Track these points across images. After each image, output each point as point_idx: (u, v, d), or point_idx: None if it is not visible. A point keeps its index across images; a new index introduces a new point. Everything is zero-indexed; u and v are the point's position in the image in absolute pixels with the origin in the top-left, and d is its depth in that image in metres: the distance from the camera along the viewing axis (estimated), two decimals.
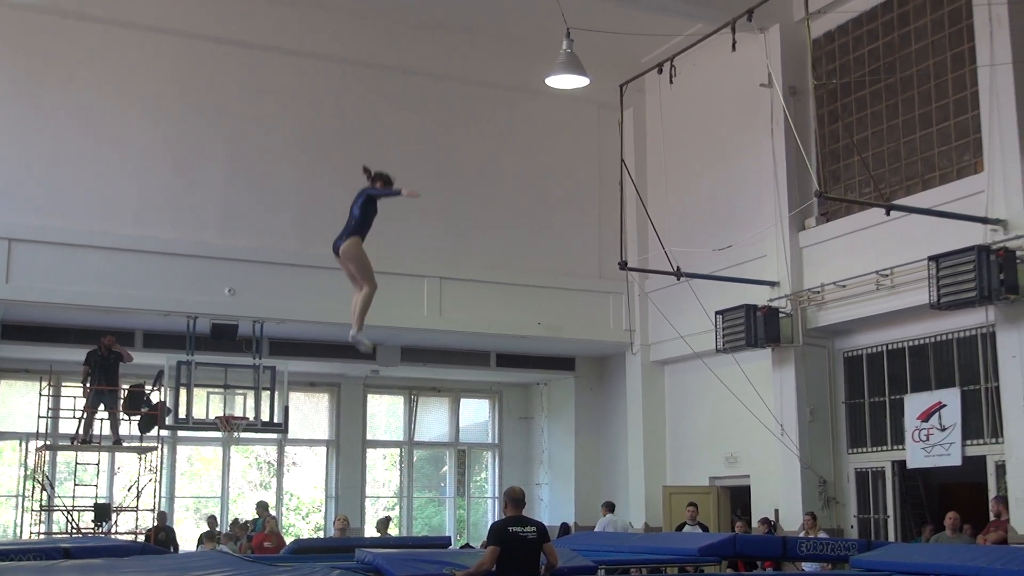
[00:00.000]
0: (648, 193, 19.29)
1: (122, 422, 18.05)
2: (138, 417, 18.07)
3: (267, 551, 16.14)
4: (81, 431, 17.70)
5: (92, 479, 18.26)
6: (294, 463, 22.51)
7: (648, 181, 20.09)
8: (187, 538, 19.79)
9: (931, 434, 15.35)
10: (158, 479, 18.48)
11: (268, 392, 18.23)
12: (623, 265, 16.72)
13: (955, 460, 15.01)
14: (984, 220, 13.99)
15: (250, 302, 17.92)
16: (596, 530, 18.80)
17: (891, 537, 15.95)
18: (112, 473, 20.11)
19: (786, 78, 17.16)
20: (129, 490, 18.38)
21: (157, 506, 18.38)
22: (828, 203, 16.37)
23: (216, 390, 18.19)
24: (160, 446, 18.69)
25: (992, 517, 14.02)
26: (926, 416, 15.48)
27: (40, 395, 18.03)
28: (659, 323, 19.60)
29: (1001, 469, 14.21)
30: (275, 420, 18.31)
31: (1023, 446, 13.53)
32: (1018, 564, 9.70)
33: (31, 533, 18.12)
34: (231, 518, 20.16)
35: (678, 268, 16.54)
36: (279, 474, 22.11)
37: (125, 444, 18.16)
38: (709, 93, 19.37)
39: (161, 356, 18.02)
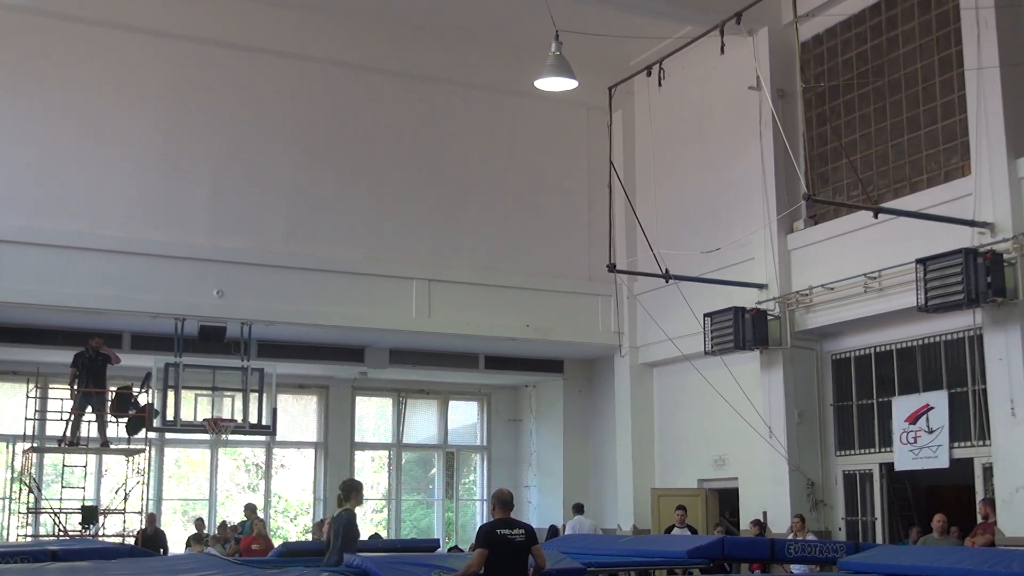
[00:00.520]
0: (637, 195, 19.30)
1: (110, 424, 18.00)
2: (126, 419, 18.02)
3: (255, 554, 16.11)
4: (68, 433, 17.64)
5: (79, 481, 18.20)
6: (282, 465, 22.47)
7: (637, 183, 20.11)
8: (175, 540, 19.73)
9: (919, 436, 15.38)
10: (146, 481, 18.44)
11: (256, 394, 18.19)
12: (612, 267, 16.74)
13: (943, 462, 15.04)
14: (971, 223, 14.03)
15: (238, 304, 17.89)
16: (565, 532, 18.77)
17: (879, 539, 15.96)
18: (99, 475, 20.05)
19: (774, 81, 17.19)
20: (116, 492, 18.34)
21: (145, 508, 18.33)
22: (816, 206, 16.39)
23: (204, 392, 18.13)
24: (148, 448, 18.64)
25: (980, 519, 14.06)
26: (914, 418, 15.52)
27: (27, 397, 18.00)
28: (647, 325, 19.61)
29: (988, 471, 14.24)
30: (263, 422, 18.28)
31: (1010, 448, 13.57)
32: (1005, 566, 9.72)
33: (18, 536, 18.06)
34: (219, 520, 20.11)
35: (666, 270, 16.54)
36: (267, 476, 22.06)
37: (113, 446, 18.11)
38: (698, 96, 19.40)
39: (149, 358, 17.96)
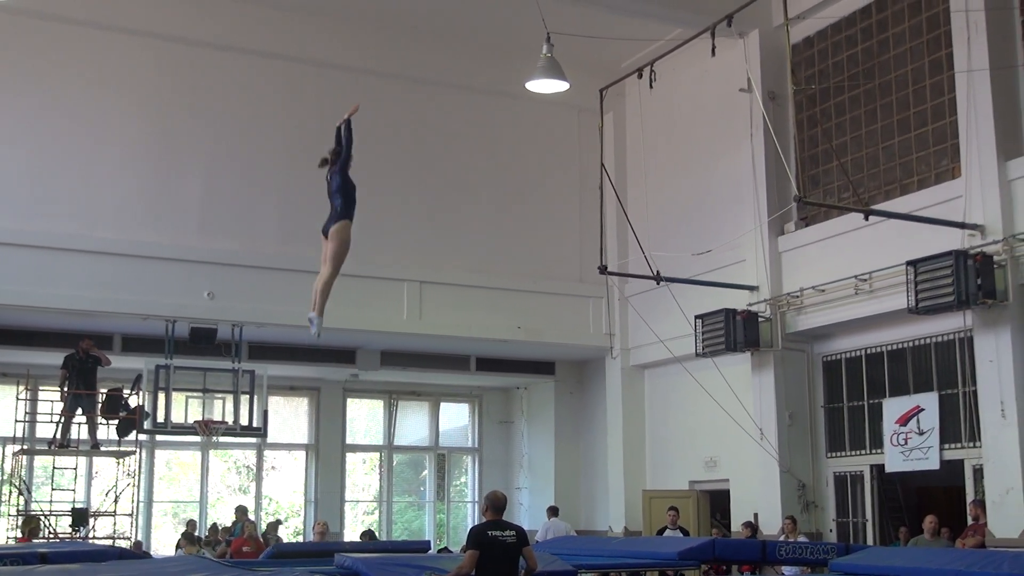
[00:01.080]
0: (628, 197, 19.32)
1: (100, 426, 17.97)
2: (116, 421, 17.99)
3: (246, 556, 16.07)
4: (59, 435, 17.60)
5: (70, 484, 18.15)
6: (273, 467, 22.43)
7: (628, 185, 20.14)
8: (166, 543, 19.72)
9: (909, 438, 15.41)
10: (136, 484, 18.41)
11: (247, 396, 18.17)
12: (603, 269, 16.77)
13: (933, 464, 15.07)
14: (962, 225, 14.07)
15: (229, 306, 17.87)
16: (538, 535, 18.76)
17: (869, 541, 15.99)
18: (90, 478, 19.96)
19: (765, 83, 17.20)
20: (107, 495, 18.30)
21: (135, 511, 18.30)
22: (807, 208, 16.39)
23: (195, 394, 18.12)
24: (138, 450, 18.61)
25: (970, 521, 14.09)
26: (904, 420, 15.55)
27: (17, 399, 17.95)
28: (639, 327, 19.61)
29: (979, 473, 14.26)
30: (254, 424, 18.26)
31: (1000, 450, 13.60)
32: (996, 567, 9.74)
33: (7, 538, 18.00)
34: (210, 523, 20.06)
35: (658, 272, 16.55)
36: (258, 478, 22.02)
37: (103, 448, 18.08)
38: (689, 98, 19.43)
39: (139, 360, 17.94)
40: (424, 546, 16.48)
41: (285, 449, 22.35)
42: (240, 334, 18.30)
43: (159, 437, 20.00)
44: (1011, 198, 13.85)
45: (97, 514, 18.02)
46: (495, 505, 9.55)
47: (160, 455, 21.38)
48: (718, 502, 19.03)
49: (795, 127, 15.87)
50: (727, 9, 14.40)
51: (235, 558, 15.76)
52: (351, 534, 21.87)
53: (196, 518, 20.06)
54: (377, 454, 23.24)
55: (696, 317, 17.56)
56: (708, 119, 19.02)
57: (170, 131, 18.10)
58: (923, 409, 15.32)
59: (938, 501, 16.54)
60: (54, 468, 18.30)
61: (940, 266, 13.71)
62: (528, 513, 22.60)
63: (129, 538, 17.87)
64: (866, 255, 15.50)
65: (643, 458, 20.35)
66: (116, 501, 17.92)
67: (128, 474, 18.23)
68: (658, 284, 17.02)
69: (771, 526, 16.63)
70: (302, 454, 22.35)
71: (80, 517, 17.55)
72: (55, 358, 17.72)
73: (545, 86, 15.83)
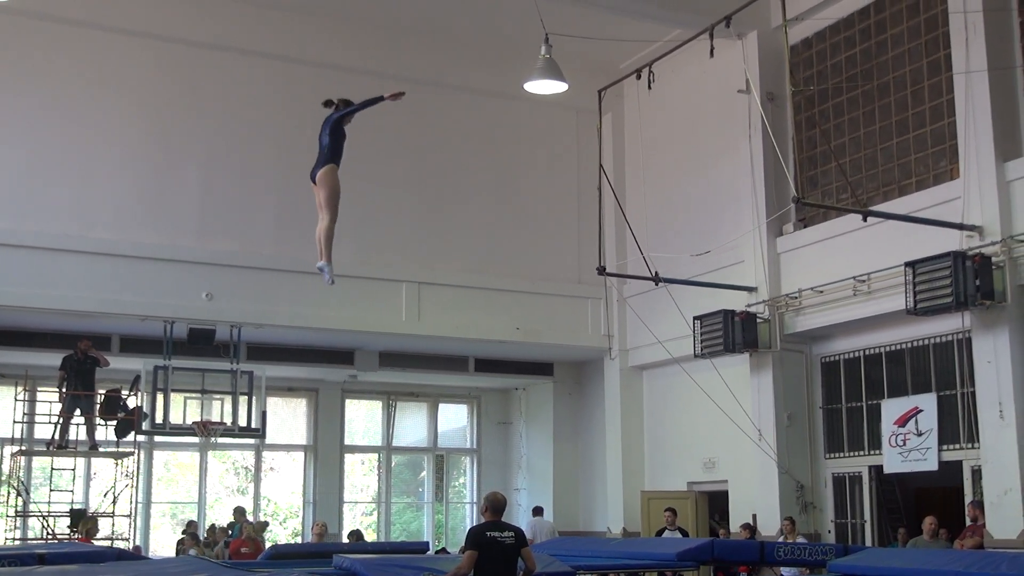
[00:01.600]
0: (626, 198, 19.33)
1: (98, 427, 17.95)
2: (114, 422, 17.97)
3: (244, 557, 16.06)
4: (57, 436, 17.59)
5: (68, 484, 18.13)
6: (272, 468, 22.42)
7: (627, 186, 20.14)
8: (164, 544, 19.71)
9: (908, 439, 15.42)
10: (135, 485, 18.38)
11: (245, 397, 18.14)
12: (601, 270, 16.77)
13: (932, 465, 15.07)
14: (960, 226, 14.08)
15: (228, 307, 17.87)
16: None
17: (868, 542, 15.99)
18: (88, 479, 19.97)
19: (764, 84, 17.22)
20: (105, 496, 18.29)
21: (134, 512, 18.28)
22: (805, 209, 16.42)
23: (193, 395, 18.11)
24: (137, 451, 18.58)
25: (968, 522, 14.10)
26: (903, 421, 15.55)
27: (15, 400, 17.94)
28: (637, 328, 19.61)
29: (977, 474, 14.26)
30: (252, 425, 18.25)
31: (998, 451, 13.60)
32: (994, 568, 9.74)
33: (6, 539, 18.00)
34: (208, 524, 20.05)
35: (656, 273, 16.56)
36: (256, 479, 22.01)
37: (101, 449, 18.07)
38: (687, 99, 19.43)
39: (138, 361, 17.92)
40: (423, 547, 16.47)
41: (283, 450, 22.35)
42: (238, 335, 18.29)
43: (157, 438, 19.98)
44: (1009, 199, 13.86)
45: (96, 515, 18.00)
46: (494, 506, 9.56)
47: (158, 456, 21.37)
48: (717, 503, 19.03)
49: (793, 128, 15.85)
50: (726, 10, 14.40)
51: (233, 559, 15.76)
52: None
53: (195, 519, 20.04)
54: (376, 455, 23.23)
55: (694, 318, 17.57)
56: (707, 120, 19.03)
57: (169, 132, 18.10)
58: (921, 410, 15.33)
59: (936, 502, 16.54)
60: (52, 469, 18.28)
61: (938, 267, 13.72)
62: (527, 514, 22.56)
63: (128, 539, 17.86)
64: (865, 256, 15.50)
65: (642, 459, 20.35)
66: (115, 502, 17.91)
67: (126, 475, 18.21)
68: (656, 285, 17.03)
69: (770, 527, 16.63)
70: (300, 455, 22.34)
71: (78, 518, 17.53)
72: (53, 359, 17.71)
73: (544, 87, 15.83)
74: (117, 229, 17.41)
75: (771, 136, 15.63)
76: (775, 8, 16.04)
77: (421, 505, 23.75)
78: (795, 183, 14.77)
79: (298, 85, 19.01)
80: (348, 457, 22.78)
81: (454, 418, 24.28)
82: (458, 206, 20.11)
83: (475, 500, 23.12)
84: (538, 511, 19.93)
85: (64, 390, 17.47)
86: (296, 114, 18.91)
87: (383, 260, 18.89)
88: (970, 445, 14.42)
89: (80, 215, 17.24)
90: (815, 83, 17.16)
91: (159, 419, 17.59)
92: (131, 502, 18.15)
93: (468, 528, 14.60)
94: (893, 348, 16.07)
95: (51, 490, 17.98)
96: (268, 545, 17.44)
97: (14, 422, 17.79)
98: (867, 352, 16.49)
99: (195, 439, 19.11)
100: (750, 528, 16.93)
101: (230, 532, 18.21)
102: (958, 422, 14.71)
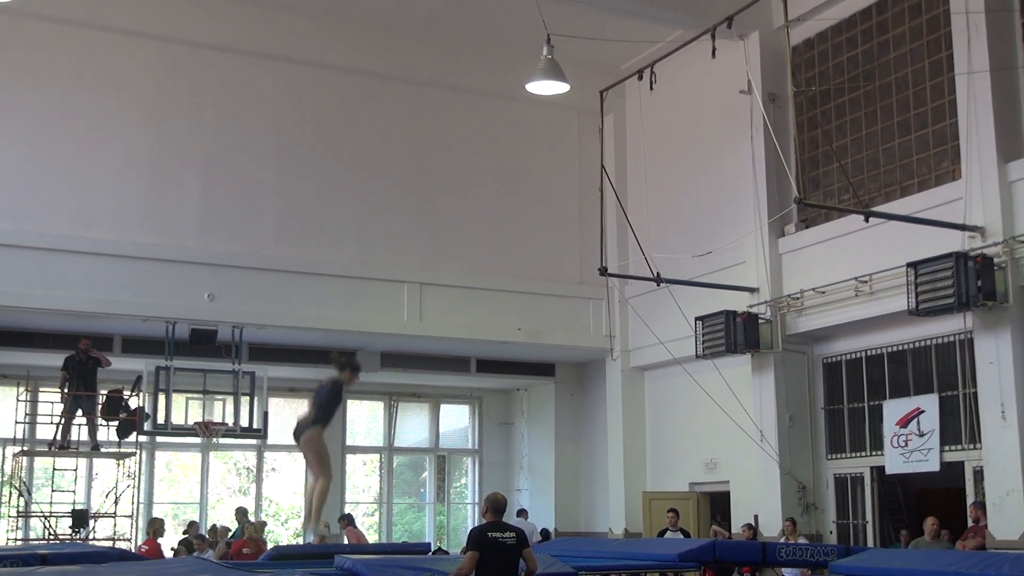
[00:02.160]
0: (628, 199, 19.33)
1: (100, 428, 17.96)
2: (116, 423, 17.98)
3: (246, 557, 16.05)
4: (59, 437, 17.59)
5: (70, 485, 18.14)
6: (273, 469, 22.43)
7: (628, 187, 20.14)
8: (166, 545, 19.66)
9: (910, 440, 15.41)
10: (136, 485, 18.40)
11: (247, 397, 18.16)
12: (603, 271, 16.76)
13: (933, 466, 15.06)
14: (962, 227, 14.07)
15: (229, 307, 17.87)
16: None
17: (870, 543, 15.99)
18: (90, 479, 19.98)
19: (766, 85, 17.21)
20: (107, 496, 18.29)
21: (135, 512, 18.29)
22: (807, 209, 16.41)
23: (195, 395, 18.11)
24: (138, 452, 18.60)
25: (970, 522, 14.09)
26: (905, 422, 15.54)
27: (17, 400, 17.96)
28: (639, 329, 19.61)
29: (979, 475, 14.26)
30: (254, 426, 18.25)
31: (1000, 452, 13.60)
32: (996, 569, 9.73)
33: (8, 539, 18.00)
34: (209, 524, 20.05)
35: (658, 274, 16.55)
36: (258, 480, 22.02)
37: (103, 450, 18.08)
38: (689, 100, 19.43)
39: (140, 361, 17.93)
40: (424, 548, 16.46)
41: (285, 451, 22.29)
42: (240, 335, 18.29)
43: (159, 438, 19.99)
44: (1011, 200, 13.86)
45: (97, 515, 18.02)
46: (495, 507, 9.56)
47: (160, 456, 21.38)
48: (718, 504, 19.02)
49: (795, 129, 15.86)
50: (727, 11, 14.40)
51: (235, 559, 15.75)
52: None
53: (196, 519, 20.04)
54: (377, 456, 23.25)
55: (696, 319, 17.57)
56: (708, 121, 19.02)
57: (170, 132, 18.11)
58: (923, 411, 15.32)
59: (938, 503, 16.52)
60: (54, 469, 18.27)
61: (940, 268, 13.71)
62: (528, 515, 22.57)
63: (129, 539, 17.87)
64: (866, 257, 15.50)
65: (643, 460, 20.35)
66: (116, 502, 17.91)
67: (128, 475, 18.22)
68: (658, 286, 17.03)
69: (771, 528, 16.63)
70: (302, 455, 22.26)
71: (80, 518, 17.55)
72: (55, 359, 17.71)
73: (545, 88, 15.84)
74: (119, 230, 17.42)
75: (773, 137, 15.63)
76: (777, 9, 16.04)
77: (423, 506, 23.76)
78: (797, 184, 14.75)
79: (300, 86, 19.06)
80: (350, 457, 22.81)
81: (456, 419, 24.29)
82: (460, 207, 20.10)
83: (477, 501, 23.13)
84: (521, 512, 20.04)
85: (66, 391, 17.47)
86: (297, 115, 18.99)
87: (385, 261, 18.90)
88: (972, 446, 14.41)
89: (82, 216, 17.25)
90: (817, 84, 17.15)
91: (161, 420, 17.61)
92: (133, 503, 18.16)
93: (469, 529, 14.60)
94: (895, 349, 16.06)
95: (53, 490, 17.98)
96: (270, 545, 17.45)
97: (16, 423, 17.81)
98: (869, 353, 16.48)
99: (197, 440, 19.13)
100: (751, 528, 16.93)
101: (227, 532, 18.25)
102: (960, 423, 14.71)
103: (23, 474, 18.68)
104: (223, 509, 21.33)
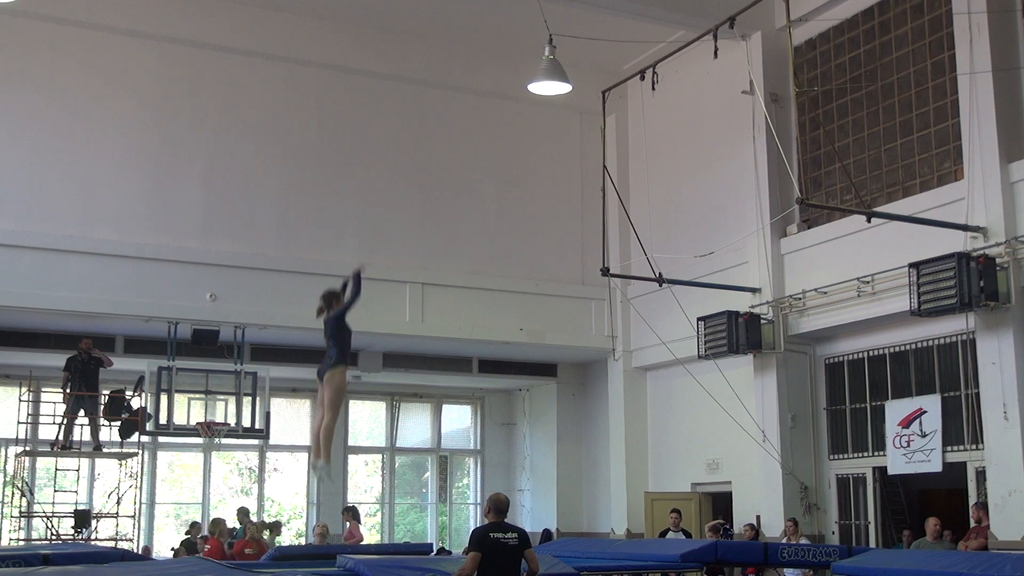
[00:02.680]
0: (630, 199, 19.32)
1: (102, 428, 17.97)
2: (118, 423, 17.98)
3: (248, 558, 16.07)
4: (61, 437, 17.59)
5: (72, 485, 18.15)
6: (275, 469, 22.43)
7: (630, 187, 20.13)
8: (169, 545, 19.71)
9: (912, 440, 15.40)
10: (138, 485, 18.41)
11: (249, 398, 18.15)
12: (605, 271, 16.76)
13: (936, 466, 15.05)
14: (964, 227, 14.07)
15: (231, 307, 17.87)
16: None
17: (872, 543, 15.99)
18: (92, 479, 19.98)
19: (768, 85, 17.21)
20: (109, 496, 18.28)
21: (138, 512, 18.29)
22: (809, 210, 16.41)
23: (197, 396, 18.10)
24: (141, 452, 18.61)
25: (973, 523, 14.09)
26: (907, 422, 15.53)
27: (20, 400, 17.94)
28: (641, 329, 19.60)
29: (981, 475, 14.26)
30: (256, 426, 18.24)
31: (1003, 452, 13.59)
32: (998, 570, 9.74)
33: (10, 539, 18.01)
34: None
35: (660, 274, 16.55)
36: (260, 480, 22.02)
37: (105, 450, 18.08)
38: (691, 100, 19.42)
39: (142, 361, 17.92)
40: (426, 549, 16.50)
41: (287, 451, 22.35)
42: (242, 336, 18.29)
43: (161, 439, 19.98)
44: (1013, 200, 13.86)
45: (100, 516, 18.03)
46: (497, 507, 9.56)
47: (162, 457, 21.37)
48: (720, 504, 19.01)
49: (797, 129, 15.86)
50: (729, 11, 14.40)
51: (237, 560, 15.77)
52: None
53: (199, 519, 20.05)
54: (379, 456, 23.25)
55: (698, 319, 17.57)
56: (710, 121, 19.02)
57: (172, 133, 18.11)
58: (925, 411, 15.31)
59: (940, 504, 16.52)
60: (56, 470, 18.26)
61: (942, 268, 13.71)
62: (530, 515, 22.60)
63: (131, 540, 17.88)
64: (868, 257, 15.49)
65: (645, 460, 20.34)
66: (119, 503, 17.91)
67: (130, 476, 18.22)
68: (660, 286, 17.02)
69: (773, 528, 16.62)
70: (304, 456, 22.32)
71: (82, 519, 17.55)
72: (57, 360, 17.72)
73: (547, 88, 15.85)
74: (121, 230, 17.43)
75: (775, 137, 15.61)
76: (779, 9, 16.02)
77: (425, 506, 23.75)
78: (799, 184, 14.74)
79: (302, 86, 19.07)
80: (352, 458, 22.81)
81: (458, 419, 24.28)
82: (462, 207, 20.11)
83: (478, 501, 23.12)
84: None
85: (68, 391, 17.47)
86: (300, 115, 19.00)
87: (387, 261, 18.87)
88: (974, 446, 14.41)
89: (84, 216, 17.26)
90: (819, 84, 17.14)
91: (163, 420, 17.61)
92: (135, 503, 18.16)
93: (472, 529, 14.62)
94: (897, 349, 16.05)
95: (55, 491, 17.98)
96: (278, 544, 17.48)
97: (18, 423, 17.80)
98: (871, 353, 16.47)
99: (199, 440, 19.13)
100: (753, 528, 16.93)
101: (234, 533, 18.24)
102: (962, 423, 14.72)
103: (25, 474, 18.69)
104: (225, 509, 21.31)
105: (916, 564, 11.02)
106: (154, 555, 18.75)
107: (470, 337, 19.68)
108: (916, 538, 14.60)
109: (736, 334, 16.94)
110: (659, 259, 16.89)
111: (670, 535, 17.08)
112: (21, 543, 17.66)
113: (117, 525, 17.94)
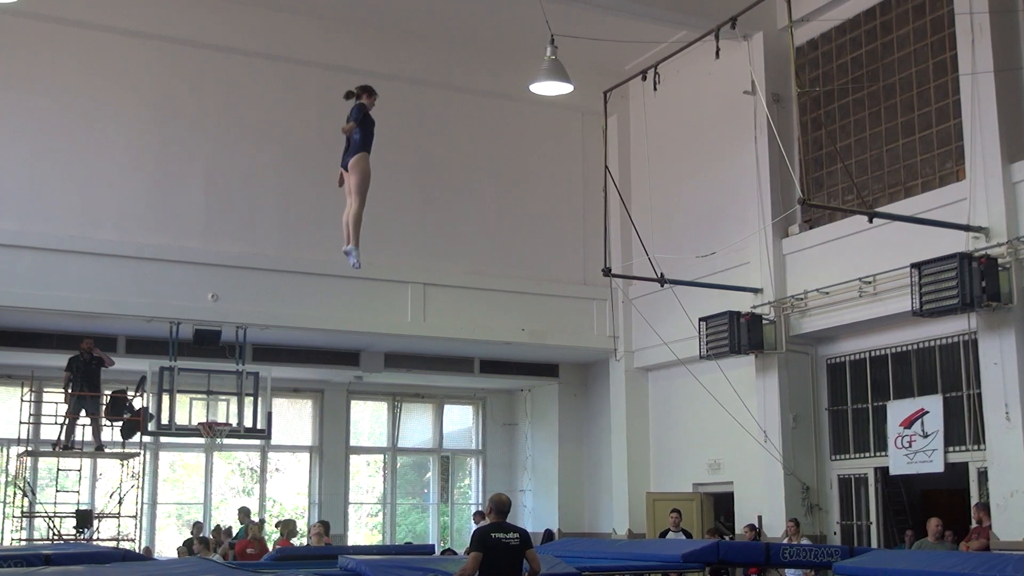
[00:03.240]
0: (632, 200, 19.31)
1: (104, 428, 18.00)
2: (120, 423, 17.99)
3: (250, 558, 16.07)
4: (63, 437, 17.61)
5: (74, 485, 18.18)
6: (277, 469, 22.44)
7: (632, 188, 20.12)
8: (171, 545, 19.72)
9: (913, 441, 15.40)
10: (140, 485, 18.42)
11: (251, 398, 18.14)
12: (607, 271, 16.74)
13: (937, 467, 15.05)
14: (966, 228, 14.06)
15: (233, 308, 17.87)
16: None
17: (874, 543, 15.98)
18: (94, 479, 20.00)
19: (769, 85, 17.21)
20: (111, 496, 18.30)
21: (139, 512, 18.30)
22: (811, 210, 16.41)
23: (199, 396, 18.10)
24: (142, 452, 18.64)
25: (974, 524, 14.08)
26: (908, 423, 15.53)
27: (22, 401, 17.96)
28: (643, 330, 19.59)
29: (983, 476, 14.25)
30: (258, 426, 18.24)
31: (1004, 453, 13.59)
32: (1000, 570, 9.73)
33: (12, 539, 18.01)
34: (213, 525, 20.06)
35: (662, 275, 16.55)
36: (262, 480, 22.03)
37: (107, 450, 18.11)
38: (693, 100, 19.41)
39: (144, 362, 17.92)
40: (428, 550, 16.50)
41: (289, 451, 22.37)
42: (244, 336, 18.30)
43: (163, 439, 20.00)
44: (1015, 200, 13.85)
45: (101, 516, 18.05)
46: (499, 507, 9.55)
47: (164, 457, 21.38)
48: (722, 505, 19.01)
49: (799, 129, 15.86)
50: (731, 11, 14.38)
51: (239, 560, 15.77)
52: (355, 536, 21.92)
53: (200, 520, 20.06)
54: (381, 456, 23.27)
55: (700, 319, 17.56)
56: (712, 121, 19.01)
57: (173, 133, 18.12)
58: (927, 412, 15.31)
59: (942, 504, 16.51)
60: (58, 470, 18.28)
61: (944, 268, 13.70)
62: (532, 515, 22.60)
63: (133, 540, 17.89)
64: (870, 257, 15.49)
65: (647, 460, 20.33)
66: (120, 503, 17.93)
67: (132, 476, 18.24)
68: (662, 286, 17.02)
69: (775, 529, 16.62)
70: (306, 456, 22.36)
71: (84, 519, 17.57)
72: (59, 360, 17.74)
73: (549, 88, 15.83)
74: (122, 230, 17.43)
75: (777, 137, 15.59)
76: (781, 9, 16.05)
77: (426, 506, 23.76)
78: (800, 184, 14.74)
79: (303, 87, 19.06)
80: (353, 458, 22.83)
81: (459, 419, 24.30)
82: (463, 207, 20.11)
83: (480, 501, 23.12)
84: (482, 516, 19.98)
85: (70, 391, 17.50)
86: (301, 116, 18.99)
87: (389, 261, 18.87)
88: (976, 447, 14.41)
89: (85, 216, 17.26)
90: (821, 84, 17.14)
91: (165, 420, 17.59)
92: (137, 503, 18.18)
93: (473, 529, 14.61)
94: (899, 349, 16.05)
95: (57, 491, 17.99)
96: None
97: (20, 423, 17.82)
98: (873, 353, 16.47)
99: (201, 440, 19.15)
100: (754, 529, 16.93)
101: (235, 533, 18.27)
102: (964, 424, 14.72)
103: (27, 474, 18.70)
104: (227, 509, 21.34)
105: (918, 565, 11.01)
106: (156, 555, 18.76)
107: (471, 337, 19.69)
108: (918, 539, 14.60)
109: (738, 334, 16.93)
110: (661, 259, 16.88)
111: (670, 535, 17.08)
112: (23, 543, 17.68)
113: (119, 525, 17.95)
